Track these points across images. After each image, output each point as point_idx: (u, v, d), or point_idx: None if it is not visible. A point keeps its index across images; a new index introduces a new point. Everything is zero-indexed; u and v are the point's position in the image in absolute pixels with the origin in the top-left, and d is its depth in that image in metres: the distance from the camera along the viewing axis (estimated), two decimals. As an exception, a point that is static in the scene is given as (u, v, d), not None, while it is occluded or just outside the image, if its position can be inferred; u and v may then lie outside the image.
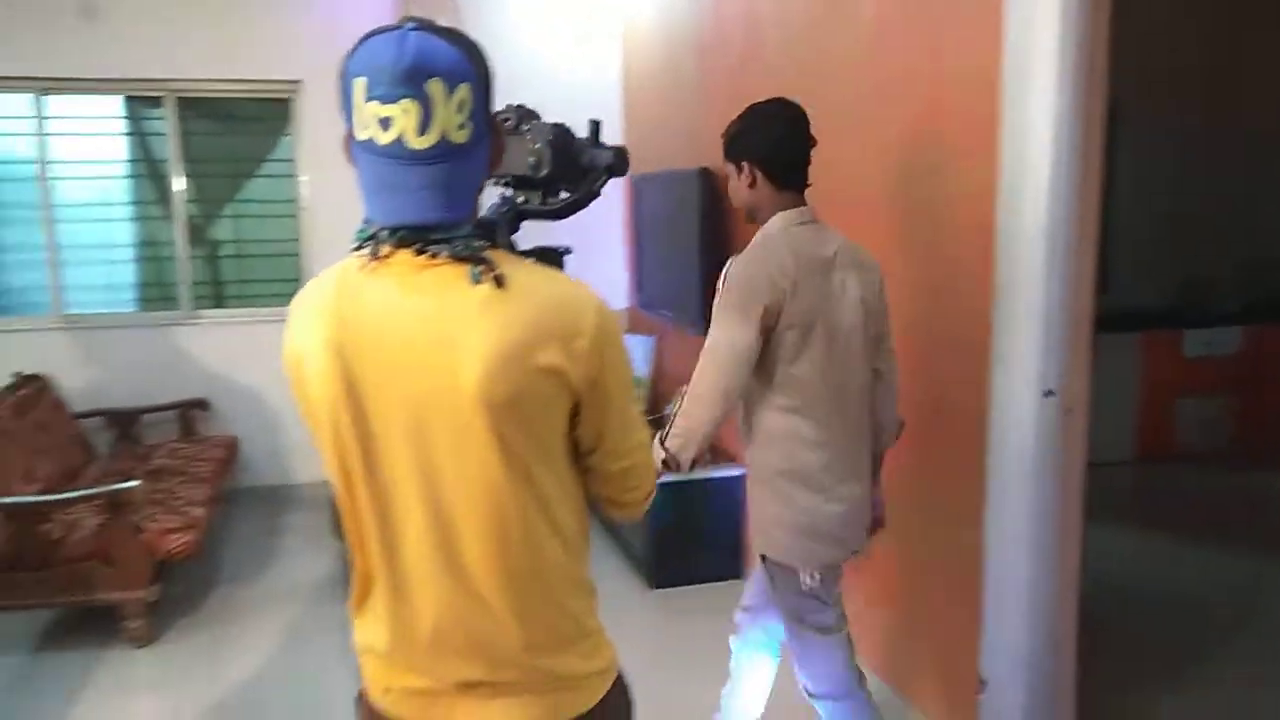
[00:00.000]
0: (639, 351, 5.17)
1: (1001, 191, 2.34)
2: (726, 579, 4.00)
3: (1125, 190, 4.98)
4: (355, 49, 1.12)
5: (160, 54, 4.99)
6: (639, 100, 5.30)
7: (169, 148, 5.18)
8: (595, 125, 1.49)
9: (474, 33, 1.19)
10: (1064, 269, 2.29)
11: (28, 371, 4.74)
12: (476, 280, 1.12)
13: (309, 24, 5.04)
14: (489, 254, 1.14)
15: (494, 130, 1.19)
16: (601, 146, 1.46)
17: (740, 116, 2.17)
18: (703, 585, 3.99)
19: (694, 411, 2.06)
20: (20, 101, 4.98)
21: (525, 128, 1.44)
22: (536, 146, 1.42)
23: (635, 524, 4.12)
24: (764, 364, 2.09)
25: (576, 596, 1.29)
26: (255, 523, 4.97)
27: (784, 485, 2.15)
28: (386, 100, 1.08)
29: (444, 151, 1.11)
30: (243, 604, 3.96)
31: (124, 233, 5.34)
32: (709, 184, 3.99)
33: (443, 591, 1.21)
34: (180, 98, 5.16)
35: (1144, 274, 5.41)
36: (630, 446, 1.29)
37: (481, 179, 1.20)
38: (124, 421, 5.04)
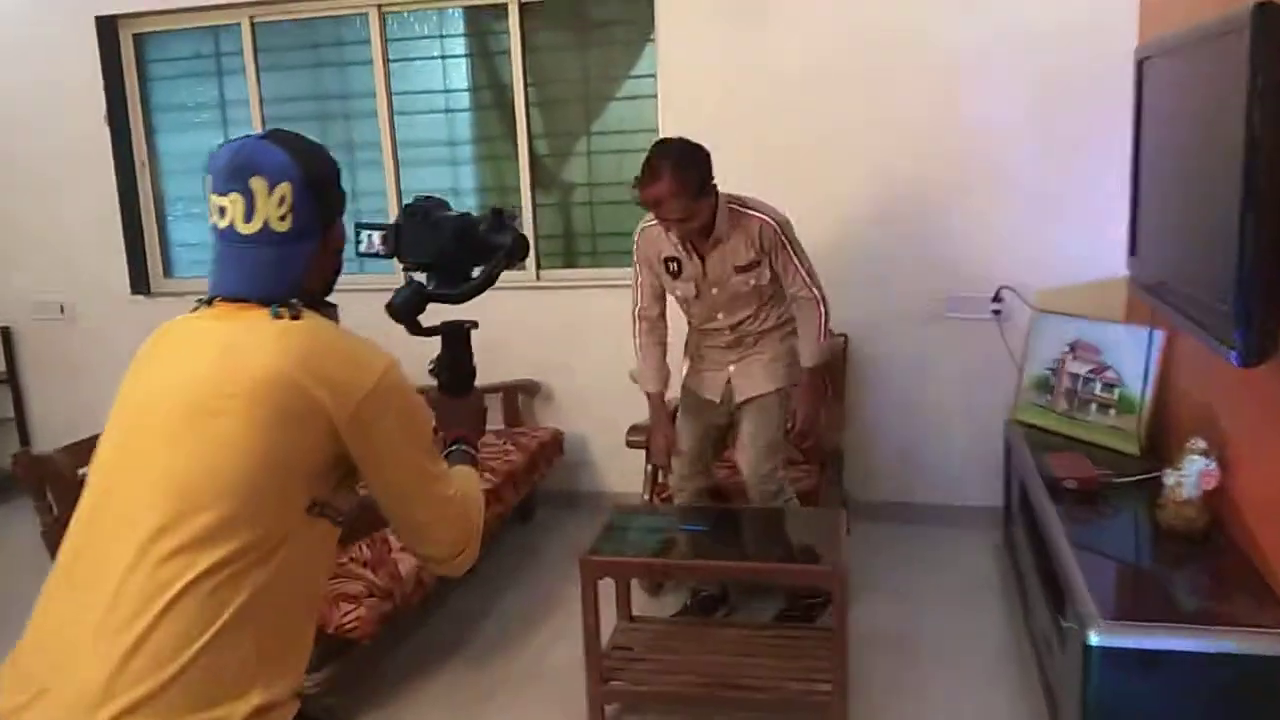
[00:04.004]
0: (1131, 351, 3.10)
1: None
2: None
3: None
4: (211, 154, 1.38)
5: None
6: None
7: (511, 67, 4.22)
8: (497, 212, 1.61)
9: None
10: None
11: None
12: (275, 315, 1.32)
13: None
14: (299, 308, 1.33)
15: (326, 226, 1.39)
16: (503, 230, 1.59)
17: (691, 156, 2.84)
18: None
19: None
20: (359, 29, 4.35)
21: (434, 218, 1.57)
22: (443, 235, 1.57)
23: (1069, 696, 2.25)
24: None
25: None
26: (554, 542, 4.01)
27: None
28: (220, 193, 1.34)
29: (267, 237, 1.33)
30: (473, 688, 2.89)
31: (467, 177, 4.53)
32: (1280, 38, 1.89)
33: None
34: (523, 3, 4.16)
35: None
36: (420, 501, 1.38)
37: (304, 263, 1.36)
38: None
